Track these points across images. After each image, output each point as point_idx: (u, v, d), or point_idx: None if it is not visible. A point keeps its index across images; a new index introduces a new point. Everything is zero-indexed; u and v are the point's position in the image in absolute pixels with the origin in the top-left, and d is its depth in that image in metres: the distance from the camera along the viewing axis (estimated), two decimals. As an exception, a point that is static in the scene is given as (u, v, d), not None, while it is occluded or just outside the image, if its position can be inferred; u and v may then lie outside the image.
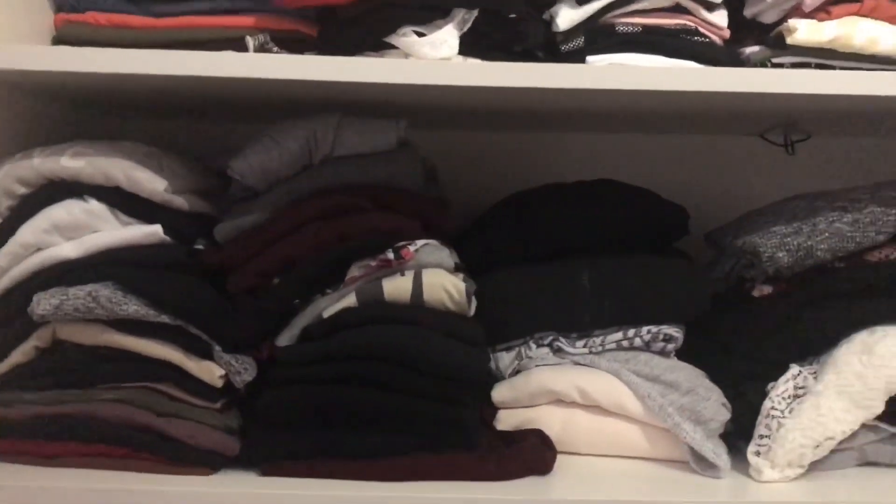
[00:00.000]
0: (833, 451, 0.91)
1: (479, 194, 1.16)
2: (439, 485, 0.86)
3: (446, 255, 0.91)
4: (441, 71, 0.90)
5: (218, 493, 0.84)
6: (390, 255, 0.88)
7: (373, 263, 0.89)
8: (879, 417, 0.90)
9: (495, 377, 0.99)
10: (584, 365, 0.97)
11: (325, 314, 0.88)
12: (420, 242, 0.91)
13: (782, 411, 0.90)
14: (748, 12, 1.03)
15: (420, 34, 0.95)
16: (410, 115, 1.12)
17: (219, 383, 0.87)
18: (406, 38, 0.95)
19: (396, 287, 0.88)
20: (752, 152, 1.35)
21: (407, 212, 0.92)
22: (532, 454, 0.89)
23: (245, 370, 0.88)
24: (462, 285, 0.89)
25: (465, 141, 1.32)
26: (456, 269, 0.95)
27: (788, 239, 0.93)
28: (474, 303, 0.95)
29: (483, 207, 1.11)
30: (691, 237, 1.08)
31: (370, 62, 0.90)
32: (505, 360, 1.00)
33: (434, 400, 0.87)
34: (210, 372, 0.87)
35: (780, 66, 0.96)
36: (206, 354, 0.88)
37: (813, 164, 1.35)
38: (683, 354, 1.00)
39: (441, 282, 0.89)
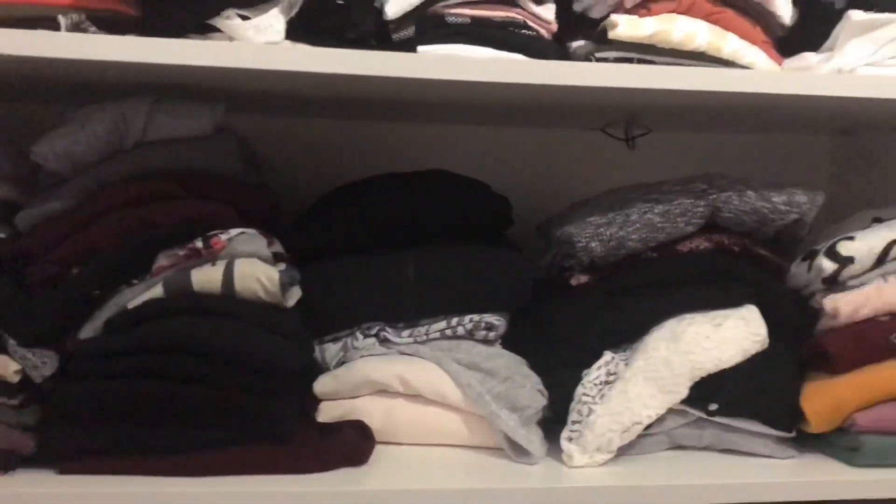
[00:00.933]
0: (643, 436, 0.94)
1: (315, 183, 1.14)
2: (248, 479, 0.84)
3: (262, 245, 0.89)
4: (263, 56, 0.88)
5: (10, 495, 0.80)
6: (199, 244, 0.86)
7: (181, 253, 0.86)
8: (687, 402, 0.93)
9: (322, 368, 0.98)
10: (408, 354, 0.97)
11: (130, 305, 0.85)
12: (234, 231, 0.89)
13: (593, 397, 0.93)
14: (577, 7, 1.04)
15: (245, 18, 0.93)
16: (241, 100, 1.10)
17: (14, 378, 0.83)
18: (230, 21, 0.92)
19: (206, 277, 0.86)
20: (595, 146, 1.38)
21: (221, 199, 0.89)
22: (347, 445, 0.88)
23: (44, 364, 0.84)
24: (275, 275, 0.87)
25: (303, 129, 1.30)
26: (279, 259, 0.93)
27: (602, 229, 0.95)
28: (295, 293, 0.93)
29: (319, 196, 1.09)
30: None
31: (193, 45, 0.86)
32: (331, 351, 0.99)
33: (243, 393, 0.85)
34: (4, 366, 0.82)
35: (604, 60, 0.98)
36: (1, 348, 0.83)
37: (653, 158, 1.39)
38: (509, 342, 1.01)
39: (253, 272, 0.87)
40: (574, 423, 0.92)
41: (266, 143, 1.22)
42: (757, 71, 0.93)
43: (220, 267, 0.86)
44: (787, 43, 1.04)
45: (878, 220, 1.00)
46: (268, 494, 0.83)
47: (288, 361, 0.87)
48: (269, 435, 0.86)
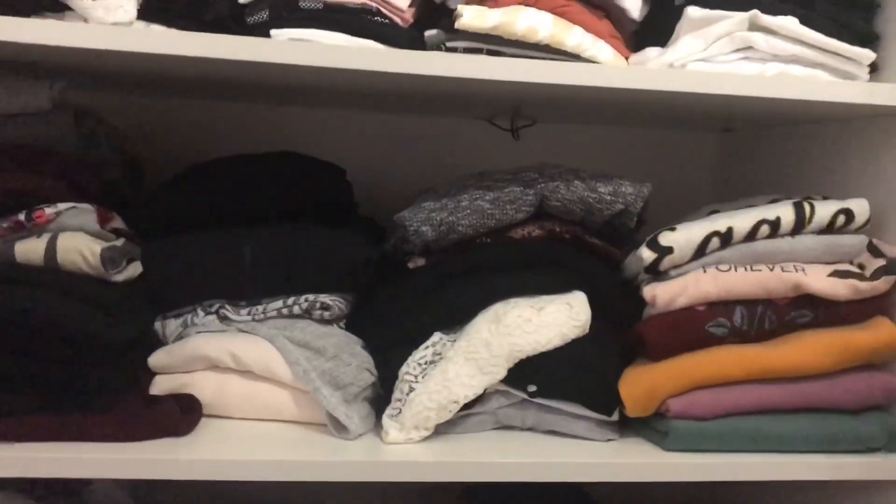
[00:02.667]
0: (468, 415, 0.97)
1: (184, 161, 1.17)
2: (64, 444, 0.86)
3: (91, 220, 0.92)
4: (108, 36, 0.90)
5: None
6: (21, 217, 0.88)
7: (4, 225, 0.88)
8: (508, 383, 0.96)
9: (163, 343, 1.01)
10: (246, 332, 1.00)
11: (-48, 275, 0.88)
12: (63, 206, 0.91)
13: (416, 376, 0.95)
14: (436, -4, 1.06)
15: (95, -3, 0.95)
16: (108, 79, 1.12)
17: None
18: (80, 1, 0.95)
19: (29, 249, 0.88)
20: (481, 136, 1.41)
21: (52, 174, 0.91)
22: (168, 416, 0.91)
23: None
24: (97, 249, 0.89)
25: (175, 108, 1.32)
26: (119, 235, 0.96)
27: (433, 214, 0.97)
28: (134, 268, 0.96)
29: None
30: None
31: (32, 24, 0.88)
32: (171, 326, 1.01)
33: (60, 362, 0.87)
34: None
35: (454, 49, 1.00)
36: None
37: (538, 148, 1.42)
38: (352, 323, 1.04)
39: (77, 245, 0.89)
40: (396, 400, 0.95)
41: (134, 121, 1.25)
42: (580, 65, 0.94)
43: (43, 240, 0.89)
44: (643, 37, 1.07)
45: (715, 213, 1.02)
46: (80, 461, 0.85)
47: (107, 334, 0.89)
48: (87, 404, 0.88)
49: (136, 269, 0.97)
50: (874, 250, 0.98)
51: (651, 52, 1.01)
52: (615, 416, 0.98)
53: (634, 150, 1.46)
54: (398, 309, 1.01)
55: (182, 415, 0.92)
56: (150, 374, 0.99)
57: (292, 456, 0.90)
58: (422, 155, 1.42)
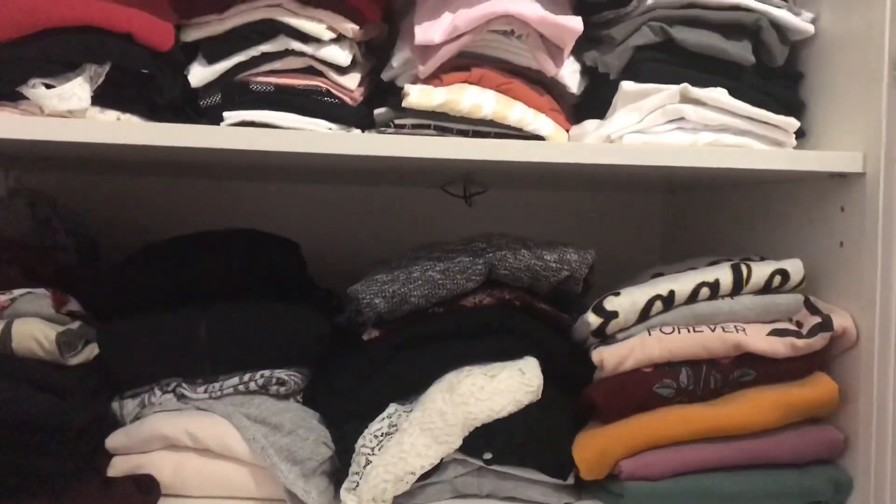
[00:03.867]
0: (426, 485, 0.98)
1: (135, 237, 1.18)
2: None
3: (46, 304, 0.93)
4: (62, 128, 0.93)
5: None
6: (-24, 305, 0.89)
7: (-41, 313, 0.90)
8: (464, 451, 0.98)
9: (120, 424, 1.01)
10: (203, 410, 1.00)
11: None
12: (18, 292, 0.92)
13: (372, 449, 0.96)
14: (385, 76, 1.11)
15: (50, 86, 0.98)
16: (58, 159, 1.14)
17: None
18: (35, 90, 0.97)
19: (-17, 337, 0.89)
20: (435, 203, 1.45)
21: (6, 260, 0.93)
22: (124, 499, 0.91)
23: None
24: (52, 334, 0.90)
25: (123, 186, 1.34)
26: (75, 318, 0.97)
27: (386, 286, 1.00)
28: (89, 350, 0.97)
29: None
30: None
31: None
32: (128, 406, 1.02)
33: (15, 449, 0.87)
34: None
35: (402, 126, 1.04)
36: None
37: (491, 213, 1.46)
38: (309, 397, 1.05)
39: (31, 330, 0.90)
40: (353, 473, 0.96)
41: (92, 199, 1.27)
42: (522, 142, 0.97)
43: (-1, 326, 0.90)
44: (582, 110, 1.11)
45: (659, 275, 1.06)
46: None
47: (62, 419, 0.89)
48: (41, 491, 0.88)
49: (92, 350, 0.98)
50: (811, 307, 1.01)
51: (590, 125, 1.06)
52: (570, 480, 0.99)
53: (584, 212, 1.51)
54: (353, 381, 1.02)
55: (140, 495, 0.92)
56: (108, 455, 0.99)
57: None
58: (377, 224, 1.45)
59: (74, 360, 0.93)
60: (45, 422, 0.88)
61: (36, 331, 0.90)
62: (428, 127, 1.03)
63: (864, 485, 0.96)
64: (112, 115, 0.99)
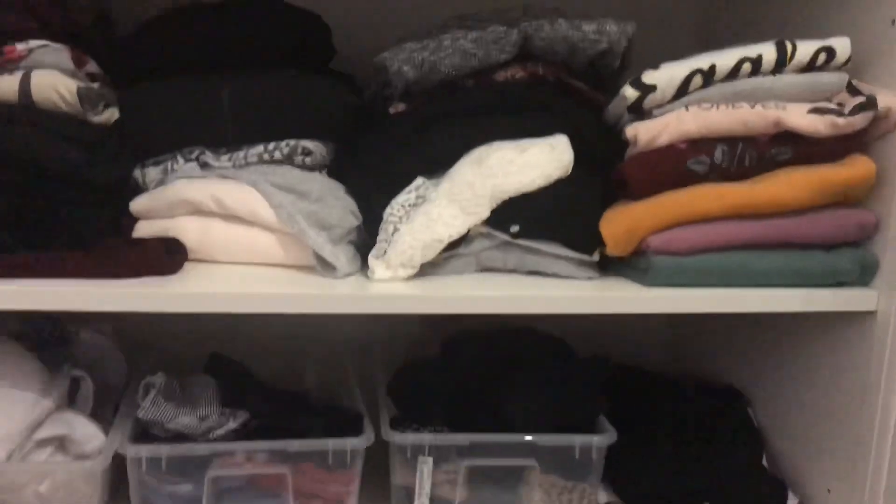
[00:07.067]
0: (452, 257, 0.98)
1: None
2: (49, 281, 0.86)
3: (65, 59, 0.90)
4: None
5: None
6: (-8, 52, 0.86)
7: (-25, 60, 0.86)
8: (491, 224, 0.97)
9: (143, 191, 1.00)
10: (228, 178, 0.99)
11: (-75, 112, 0.86)
12: (35, 43, 0.89)
13: (400, 217, 0.96)
14: None
15: None
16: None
17: None
18: None
19: (2, 85, 0.86)
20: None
21: (22, 10, 0.89)
22: (150, 255, 0.91)
23: None
24: (74, 86, 0.87)
25: None
26: (94, 79, 0.94)
27: (415, 54, 0.96)
28: (110, 113, 0.94)
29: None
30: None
31: None
32: (151, 174, 1.00)
33: (43, 199, 0.87)
34: None
35: None
36: None
37: None
38: (334, 172, 1.04)
39: (52, 82, 0.87)
40: (381, 241, 0.96)
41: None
42: None
43: (16, 76, 0.87)
44: None
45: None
46: (58, 294, 0.85)
47: (88, 171, 0.88)
48: (71, 242, 0.88)
49: (112, 114, 0.96)
50: (853, 90, 0.98)
51: None
52: (596, 257, 0.99)
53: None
54: (380, 155, 1.00)
55: (168, 255, 0.92)
56: (133, 220, 0.98)
57: (281, 289, 0.91)
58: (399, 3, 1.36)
59: (97, 119, 0.91)
60: (73, 171, 0.86)
61: (57, 82, 0.87)
62: None
63: (892, 266, 0.96)
64: None
